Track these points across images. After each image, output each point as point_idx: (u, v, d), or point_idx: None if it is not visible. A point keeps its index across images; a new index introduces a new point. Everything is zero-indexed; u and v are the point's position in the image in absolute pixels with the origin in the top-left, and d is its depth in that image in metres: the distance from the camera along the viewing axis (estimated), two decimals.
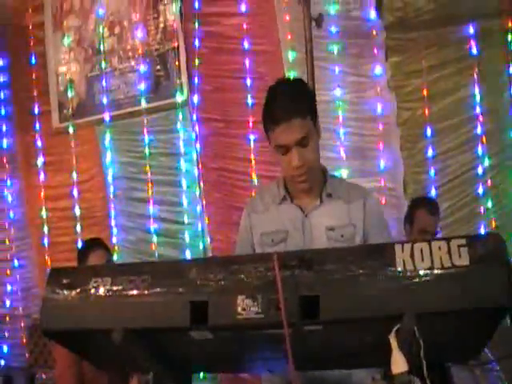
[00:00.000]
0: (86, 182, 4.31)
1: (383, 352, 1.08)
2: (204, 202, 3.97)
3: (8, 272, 4.46)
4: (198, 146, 3.92)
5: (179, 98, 3.87)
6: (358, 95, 3.61)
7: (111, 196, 4.23)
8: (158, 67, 3.94)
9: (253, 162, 3.78)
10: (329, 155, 3.72)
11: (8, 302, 4.43)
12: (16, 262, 4.46)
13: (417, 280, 1.06)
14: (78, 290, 1.25)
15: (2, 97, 4.36)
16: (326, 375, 1.67)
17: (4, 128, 4.38)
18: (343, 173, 3.68)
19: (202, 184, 3.96)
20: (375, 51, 3.50)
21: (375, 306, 1.07)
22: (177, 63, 3.86)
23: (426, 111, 3.52)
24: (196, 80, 3.83)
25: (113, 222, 4.25)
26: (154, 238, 4.11)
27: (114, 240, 4.24)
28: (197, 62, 3.83)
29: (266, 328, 1.14)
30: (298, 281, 1.12)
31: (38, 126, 4.32)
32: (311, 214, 1.83)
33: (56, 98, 4.21)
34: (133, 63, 3.97)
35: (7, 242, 4.49)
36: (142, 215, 4.16)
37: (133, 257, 4.25)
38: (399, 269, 1.08)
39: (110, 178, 4.22)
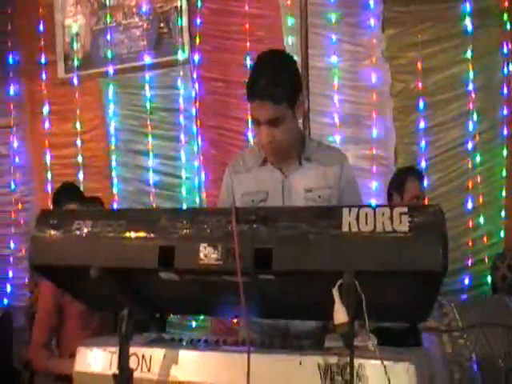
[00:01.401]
0: (88, 132, 4.43)
1: (329, 305, 1.19)
2: (201, 158, 4.12)
3: (12, 215, 4.64)
4: (197, 103, 4.03)
5: (180, 55, 3.98)
6: (353, 64, 3.70)
7: (112, 147, 4.37)
8: (161, 25, 4.02)
9: (249, 122, 3.88)
10: (323, 120, 3.84)
11: (12, 244, 4.62)
12: (20, 206, 4.63)
13: (359, 241, 1.16)
14: (63, 231, 1.38)
15: (10, 45, 4.45)
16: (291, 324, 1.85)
17: (11, 75, 4.49)
18: (336, 138, 3.81)
19: (199, 140, 4.10)
20: (372, 22, 3.57)
21: (321, 261, 1.18)
22: (179, 22, 3.95)
23: (420, 84, 3.59)
24: (197, 39, 3.93)
25: (113, 173, 4.41)
26: (152, 190, 4.27)
27: (115, 190, 4.41)
28: (198, 21, 3.93)
29: (224, 274, 1.26)
30: (254, 234, 1.23)
31: (44, 75, 4.43)
32: (291, 176, 1.94)
33: (62, 49, 4.31)
34: (137, 19, 4.06)
35: (12, 186, 4.66)
36: (142, 167, 4.31)
37: (132, 207, 4.43)
38: (344, 230, 1.17)
39: (111, 130, 4.35)
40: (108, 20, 4.16)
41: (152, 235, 1.33)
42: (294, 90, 1.85)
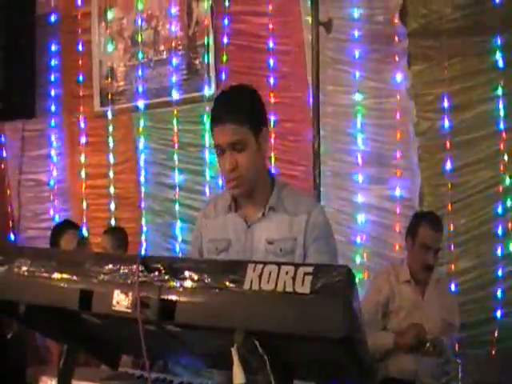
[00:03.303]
0: (120, 164, 4.57)
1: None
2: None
3: None
4: None
5: (207, 91, 4.03)
6: (377, 101, 3.60)
7: (142, 179, 4.47)
8: (189, 61, 4.11)
9: (272, 159, 3.86)
10: (345, 159, 3.76)
11: None
12: None
13: (257, 300, 1.12)
14: (6, 267, 1.45)
15: (53, 79, 4.68)
16: None
17: (53, 108, 4.71)
18: (359, 178, 3.70)
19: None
20: (397, 58, 3.46)
21: (217, 318, 1.15)
22: (206, 58, 4.01)
23: (447, 123, 3.43)
24: (223, 76, 3.97)
25: (143, 204, 4.49)
26: (178, 223, 4.32)
27: (143, 221, 4.50)
28: (225, 58, 3.97)
29: (133, 322, 1.26)
30: (162, 285, 1.23)
31: (81, 108, 4.62)
32: (254, 226, 1.85)
33: (98, 83, 4.49)
34: (166, 56, 4.17)
35: (51, 213, 4.86)
36: (170, 200, 4.37)
37: (159, 239, 4.49)
38: (246, 287, 1.13)
39: (142, 163, 4.46)
40: (140, 56, 4.29)
41: (75, 278, 1.35)
42: (256, 115, 1.83)
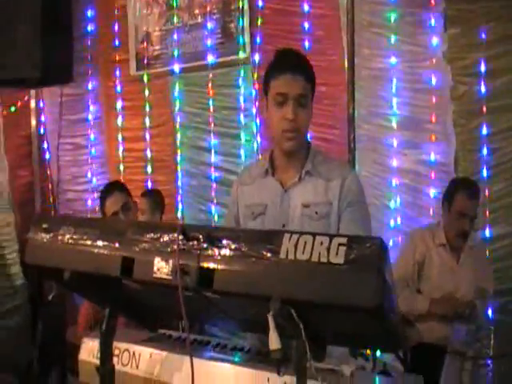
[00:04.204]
0: (156, 128, 4.63)
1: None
2: (260, 157, 4.16)
3: (89, 202, 4.97)
4: (256, 103, 4.07)
5: (242, 55, 4.04)
6: (412, 65, 3.55)
7: (178, 143, 4.54)
8: (224, 25, 4.10)
9: None
10: (380, 123, 3.74)
11: None
12: (95, 195, 4.88)
13: (292, 269, 1.15)
14: (51, 235, 1.52)
15: (90, 44, 4.73)
16: None
17: (90, 72, 4.78)
18: (393, 142, 3.69)
19: (258, 139, 4.14)
20: (433, 21, 3.39)
21: (254, 286, 1.20)
22: (241, 22, 4.00)
23: (483, 87, 3.38)
24: (258, 39, 3.96)
25: (179, 167, 4.58)
26: (214, 185, 4.39)
27: (179, 183, 4.59)
28: (259, 21, 3.95)
29: (172, 288, 1.34)
30: (200, 253, 1.28)
31: (118, 72, 4.68)
32: (290, 190, 1.89)
33: (134, 48, 4.53)
34: (201, 20, 4.17)
35: (89, 176, 5.00)
36: (205, 163, 4.44)
37: (194, 200, 4.58)
38: (282, 256, 1.17)
39: (177, 126, 4.51)
40: (175, 20, 4.29)
41: (117, 246, 1.41)
42: (315, 81, 1.84)
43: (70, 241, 1.49)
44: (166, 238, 1.35)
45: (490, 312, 3.22)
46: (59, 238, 1.50)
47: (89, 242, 1.45)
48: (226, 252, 1.26)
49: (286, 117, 1.78)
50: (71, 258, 1.47)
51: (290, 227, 1.86)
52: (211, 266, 1.26)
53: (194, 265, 1.28)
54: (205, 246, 1.29)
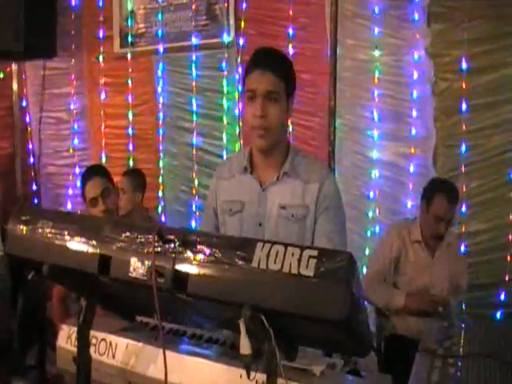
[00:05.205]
0: (139, 106, 4.62)
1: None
2: (242, 141, 4.19)
3: (71, 177, 4.97)
4: (239, 86, 4.09)
5: (226, 38, 4.04)
6: (395, 58, 3.58)
7: (160, 122, 4.53)
8: (209, 7, 4.08)
9: None
10: (361, 113, 3.78)
11: (69, 204, 4.97)
12: (77, 169, 4.92)
13: (264, 278, 1.18)
14: (30, 227, 1.54)
15: (73, 18, 4.67)
16: None
17: (73, 47, 4.73)
18: (374, 133, 3.74)
19: (241, 123, 4.16)
20: (417, 16, 3.42)
21: (226, 292, 1.24)
22: (226, 5, 3.99)
23: (464, 85, 3.41)
24: (242, 24, 3.95)
25: (161, 147, 4.58)
26: (195, 167, 4.42)
27: (161, 163, 4.60)
28: (244, 5, 3.94)
29: (148, 288, 1.37)
30: (176, 256, 1.31)
31: (101, 48, 4.63)
32: (268, 190, 1.89)
33: (118, 25, 4.49)
34: (186, 0, 4.14)
35: (71, 151, 4.97)
36: (187, 144, 4.45)
37: (176, 181, 4.61)
38: (254, 265, 1.20)
39: (160, 105, 4.50)
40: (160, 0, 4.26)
41: (95, 243, 1.44)
42: (293, 80, 1.85)
43: (48, 235, 1.51)
44: (142, 238, 1.37)
45: (462, 307, 3.32)
46: (39, 231, 1.53)
47: (67, 238, 1.48)
48: (200, 257, 1.28)
49: (255, 113, 1.79)
50: (50, 251, 1.50)
51: (267, 227, 1.89)
52: (186, 269, 1.29)
53: (169, 267, 1.30)
54: (180, 249, 1.31)
